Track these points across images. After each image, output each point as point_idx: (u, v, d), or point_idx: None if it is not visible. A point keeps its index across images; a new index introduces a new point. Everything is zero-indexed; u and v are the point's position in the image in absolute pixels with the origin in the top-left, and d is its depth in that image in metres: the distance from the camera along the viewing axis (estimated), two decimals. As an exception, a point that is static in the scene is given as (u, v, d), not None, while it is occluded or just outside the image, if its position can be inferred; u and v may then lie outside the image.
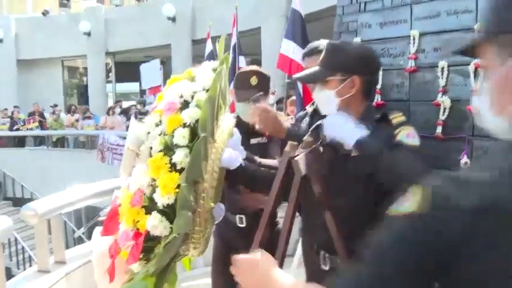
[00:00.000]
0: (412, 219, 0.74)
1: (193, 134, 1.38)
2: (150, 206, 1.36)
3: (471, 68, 2.11)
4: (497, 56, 0.80)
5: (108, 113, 13.49)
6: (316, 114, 2.05)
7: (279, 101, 7.40)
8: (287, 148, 1.20)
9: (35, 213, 2.26)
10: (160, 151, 1.40)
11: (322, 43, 2.16)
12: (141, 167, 1.43)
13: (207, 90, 1.43)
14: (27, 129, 14.54)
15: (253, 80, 2.29)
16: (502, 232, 0.68)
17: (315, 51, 2.18)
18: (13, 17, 17.90)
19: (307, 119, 2.11)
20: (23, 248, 9.31)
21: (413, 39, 2.24)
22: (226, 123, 1.50)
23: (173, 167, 1.36)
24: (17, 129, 14.63)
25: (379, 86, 2.33)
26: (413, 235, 0.73)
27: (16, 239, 9.07)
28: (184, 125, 1.38)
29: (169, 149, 1.38)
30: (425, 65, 2.26)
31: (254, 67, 2.45)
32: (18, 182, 13.10)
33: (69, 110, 14.43)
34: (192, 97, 1.43)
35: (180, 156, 1.35)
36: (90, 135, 13.17)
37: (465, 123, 2.15)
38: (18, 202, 12.70)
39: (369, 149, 1.52)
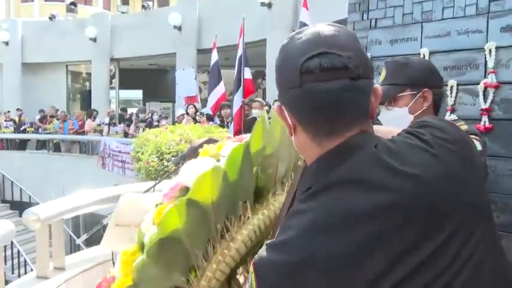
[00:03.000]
0: None
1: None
2: None
3: (480, 87, 2.11)
4: None
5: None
6: None
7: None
8: (301, 162, 1.18)
9: (38, 217, 2.24)
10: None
11: None
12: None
13: None
14: (49, 132, 14.35)
15: None
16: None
17: None
18: (20, 21, 18.01)
19: None
20: (18, 251, 9.25)
21: (423, 57, 2.25)
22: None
23: None
24: (24, 131, 14.50)
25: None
26: None
27: (12, 243, 9.02)
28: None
29: (143, 248, 1.12)
30: (434, 83, 2.26)
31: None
32: (17, 184, 13.07)
33: (90, 115, 13.94)
34: None
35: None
36: (92, 140, 13.17)
37: (473, 142, 2.14)
38: (16, 205, 12.66)
39: None
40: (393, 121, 1.54)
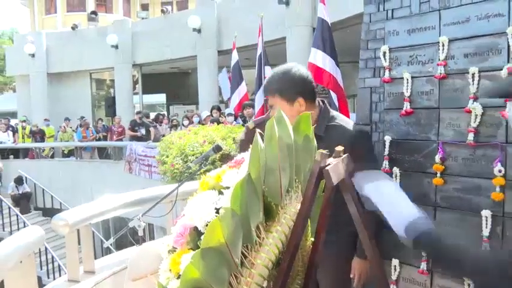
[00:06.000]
0: None
1: None
2: None
3: (504, 73, 2.05)
4: None
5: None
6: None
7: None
8: (317, 157, 1.17)
9: (66, 223, 2.29)
10: None
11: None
12: None
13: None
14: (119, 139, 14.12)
15: None
16: None
17: None
18: (44, 32, 18.44)
19: None
20: (52, 257, 9.50)
21: (443, 45, 2.20)
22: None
23: None
24: (99, 139, 14.44)
25: (408, 94, 2.29)
26: None
27: (46, 249, 9.26)
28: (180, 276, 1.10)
29: None
30: (455, 72, 2.21)
31: None
32: (48, 192, 13.39)
33: (156, 119, 13.84)
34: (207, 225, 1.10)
35: None
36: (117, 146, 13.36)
37: (498, 129, 2.09)
38: (48, 212, 12.99)
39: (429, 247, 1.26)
40: None
